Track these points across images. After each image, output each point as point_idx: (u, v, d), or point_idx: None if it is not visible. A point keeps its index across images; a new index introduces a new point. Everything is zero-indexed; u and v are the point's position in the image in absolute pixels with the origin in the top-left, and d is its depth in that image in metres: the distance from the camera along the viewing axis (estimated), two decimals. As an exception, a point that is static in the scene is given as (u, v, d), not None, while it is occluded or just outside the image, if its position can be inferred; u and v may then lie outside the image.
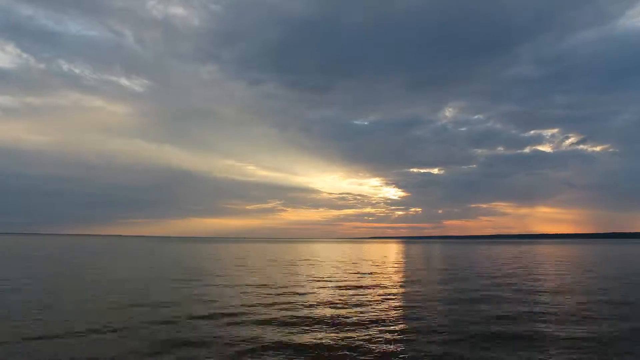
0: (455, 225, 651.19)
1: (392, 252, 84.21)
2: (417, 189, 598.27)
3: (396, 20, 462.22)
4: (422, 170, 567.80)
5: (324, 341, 12.10)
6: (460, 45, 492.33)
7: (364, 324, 14.37)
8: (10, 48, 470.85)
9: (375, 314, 16.18)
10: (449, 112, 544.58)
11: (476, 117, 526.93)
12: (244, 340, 11.99)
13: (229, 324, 14.17)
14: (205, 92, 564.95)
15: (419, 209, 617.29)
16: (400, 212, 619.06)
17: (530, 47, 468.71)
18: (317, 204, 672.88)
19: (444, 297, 20.78)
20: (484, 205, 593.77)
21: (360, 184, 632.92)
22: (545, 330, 13.68)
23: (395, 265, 44.49)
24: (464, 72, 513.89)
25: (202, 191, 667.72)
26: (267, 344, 11.70)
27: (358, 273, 33.71)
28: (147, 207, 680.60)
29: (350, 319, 15.25)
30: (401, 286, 25.13)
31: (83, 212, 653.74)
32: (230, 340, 12.04)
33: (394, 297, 20.72)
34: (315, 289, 23.07)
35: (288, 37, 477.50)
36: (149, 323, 14.03)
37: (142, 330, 13.08)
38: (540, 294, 22.03)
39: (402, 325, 14.24)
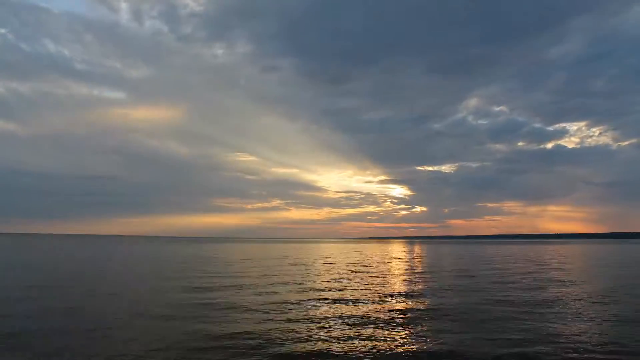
0: (462, 225, 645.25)
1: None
2: (425, 187, 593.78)
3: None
4: (430, 169, 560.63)
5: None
6: (493, 24, 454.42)
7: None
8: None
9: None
10: (471, 103, 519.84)
11: (499, 108, 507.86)
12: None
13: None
14: (208, 77, 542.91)
15: (425, 208, 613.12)
16: (404, 212, 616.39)
17: (578, 23, 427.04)
18: (320, 203, 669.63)
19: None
20: (493, 205, 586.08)
21: (367, 182, 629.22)
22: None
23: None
24: (495, 56, 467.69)
25: (198, 187, 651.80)
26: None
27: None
28: (134, 203, 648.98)
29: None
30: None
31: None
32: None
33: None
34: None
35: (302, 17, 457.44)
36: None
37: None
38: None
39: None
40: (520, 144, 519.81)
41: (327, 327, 15.39)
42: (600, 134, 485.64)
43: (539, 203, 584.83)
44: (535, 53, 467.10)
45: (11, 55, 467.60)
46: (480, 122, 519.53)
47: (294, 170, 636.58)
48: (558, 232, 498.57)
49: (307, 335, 14.22)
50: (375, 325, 15.82)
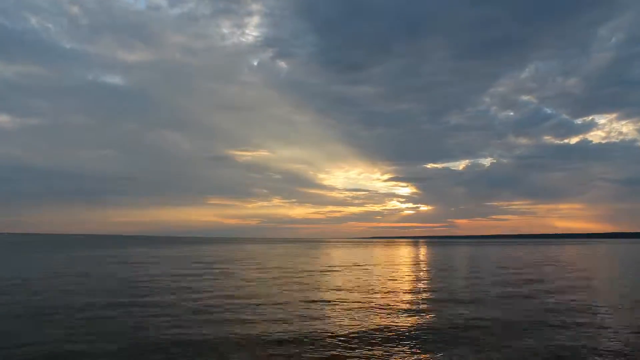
0: (472, 225, 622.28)
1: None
2: (433, 186, 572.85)
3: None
4: (439, 166, 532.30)
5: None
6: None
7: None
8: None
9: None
10: (496, 91, 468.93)
11: (527, 98, 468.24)
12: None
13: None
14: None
15: (431, 207, 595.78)
16: (410, 212, 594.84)
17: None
18: (324, 202, 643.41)
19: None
20: (502, 203, 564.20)
21: (375, 180, 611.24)
22: None
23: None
24: (531, 36, 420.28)
25: (194, 182, 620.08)
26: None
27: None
28: (124, 196, 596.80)
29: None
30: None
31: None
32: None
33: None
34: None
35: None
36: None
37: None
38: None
39: None
40: (546, 137, 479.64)
41: None
42: (628, 127, 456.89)
43: (551, 202, 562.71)
44: (577, 32, 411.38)
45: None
46: (504, 113, 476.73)
47: (300, 166, 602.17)
48: (569, 232, 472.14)
49: None
50: None
